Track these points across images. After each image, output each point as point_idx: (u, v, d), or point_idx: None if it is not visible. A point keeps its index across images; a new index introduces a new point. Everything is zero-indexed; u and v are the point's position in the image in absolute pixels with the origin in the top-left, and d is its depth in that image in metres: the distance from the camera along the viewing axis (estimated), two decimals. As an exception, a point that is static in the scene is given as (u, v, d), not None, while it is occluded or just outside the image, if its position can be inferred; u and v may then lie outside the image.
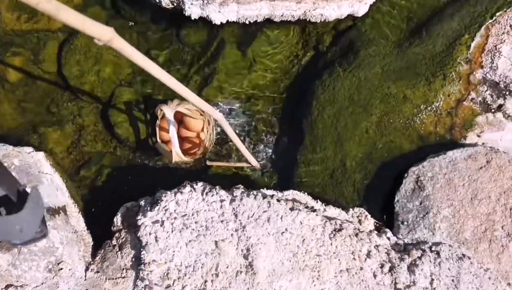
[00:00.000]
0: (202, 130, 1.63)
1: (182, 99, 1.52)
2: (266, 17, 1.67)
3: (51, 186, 1.31)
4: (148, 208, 1.32)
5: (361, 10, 1.71)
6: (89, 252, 1.31)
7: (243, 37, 1.79)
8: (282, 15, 1.66)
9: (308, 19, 1.70)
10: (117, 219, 1.37)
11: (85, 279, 1.21)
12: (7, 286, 1.13)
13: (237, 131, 1.75)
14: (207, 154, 1.71)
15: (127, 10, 1.77)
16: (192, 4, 1.58)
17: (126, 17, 1.78)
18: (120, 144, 1.68)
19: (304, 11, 1.65)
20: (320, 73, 1.76)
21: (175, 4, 1.62)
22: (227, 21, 1.63)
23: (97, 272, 1.24)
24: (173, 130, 1.49)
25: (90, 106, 1.68)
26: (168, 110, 1.48)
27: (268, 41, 1.80)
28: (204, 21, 1.64)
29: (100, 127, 1.68)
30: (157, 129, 1.58)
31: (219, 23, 1.63)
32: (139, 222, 1.28)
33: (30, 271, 1.16)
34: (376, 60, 1.73)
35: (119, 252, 1.28)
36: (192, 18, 1.61)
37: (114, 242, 1.32)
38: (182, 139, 1.64)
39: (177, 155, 1.50)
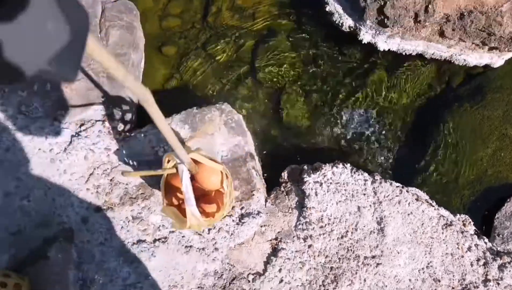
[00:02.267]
0: (222, 186, 1.32)
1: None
2: (418, 53, 2.12)
3: (250, 140, 1.88)
4: (311, 172, 1.83)
5: (497, 63, 2.10)
6: (265, 191, 1.85)
7: (393, 63, 2.26)
8: (432, 54, 2.10)
9: (451, 61, 2.13)
10: (284, 174, 1.90)
11: (265, 207, 1.75)
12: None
13: (369, 134, 2.22)
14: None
15: (307, 24, 2.32)
16: (366, 32, 2.08)
17: (304, 31, 2.33)
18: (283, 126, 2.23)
19: (451, 54, 2.08)
20: (450, 104, 2.17)
21: (351, 29, 2.13)
22: (388, 49, 2.12)
23: (272, 204, 1.77)
24: (187, 183, 1.14)
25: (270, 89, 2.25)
26: (183, 157, 1.10)
27: (412, 70, 2.25)
28: (368, 45, 2.14)
29: (269, 108, 2.24)
30: (162, 187, 1.27)
31: (381, 50, 2.12)
32: (305, 179, 1.80)
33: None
34: (500, 105, 2.10)
35: (286, 196, 1.81)
36: (362, 42, 2.12)
37: (282, 189, 1.85)
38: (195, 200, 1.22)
39: (192, 217, 1.15)
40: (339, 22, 2.13)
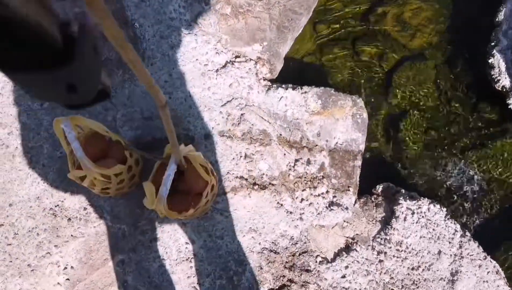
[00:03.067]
0: (202, 192, 1.38)
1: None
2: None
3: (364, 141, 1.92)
4: (407, 197, 1.85)
5: None
6: (356, 193, 1.89)
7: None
8: None
9: None
10: (379, 187, 1.93)
11: (353, 206, 1.80)
12: (321, 176, 1.77)
13: (467, 191, 2.17)
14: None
15: (459, 64, 2.30)
16: (518, 99, 2.03)
17: (453, 69, 2.30)
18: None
19: None
20: None
21: (503, 90, 2.09)
22: (530, 124, 2.06)
23: (360, 208, 1.82)
24: (171, 171, 1.21)
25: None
26: (176, 154, 1.20)
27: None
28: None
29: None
30: (156, 167, 1.38)
31: (523, 122, 2.06)
32: (399, 201, 1.82)
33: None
34: None
35: (375, 207, 1.84)
36: (508, 106, 2.07)
37: (372, 199, 1.88)
38: (175, 192, 1.37)
39: (159, 201, 1.19)
40: (495, 78, 2.10)
